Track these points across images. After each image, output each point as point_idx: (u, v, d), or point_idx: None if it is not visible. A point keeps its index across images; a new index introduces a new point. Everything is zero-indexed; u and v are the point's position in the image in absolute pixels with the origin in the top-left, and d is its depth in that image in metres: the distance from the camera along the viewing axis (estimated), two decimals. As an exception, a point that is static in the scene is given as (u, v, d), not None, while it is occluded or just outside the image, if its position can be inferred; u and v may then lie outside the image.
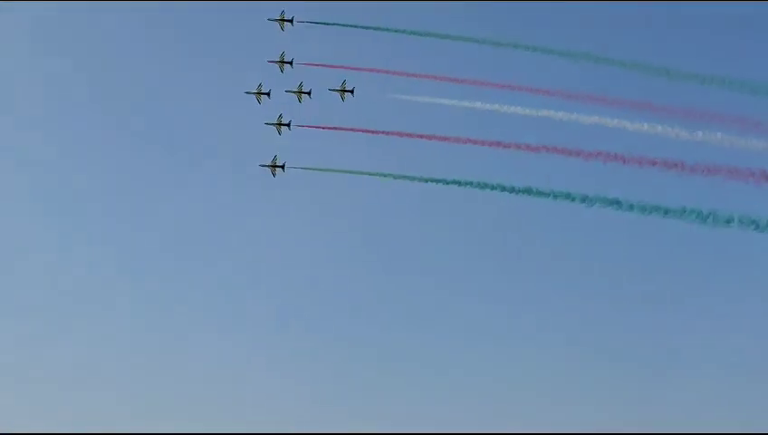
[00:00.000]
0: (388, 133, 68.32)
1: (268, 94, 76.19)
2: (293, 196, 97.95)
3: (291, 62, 74.37)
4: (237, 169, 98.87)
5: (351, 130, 70.46)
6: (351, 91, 71.52)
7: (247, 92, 75.54)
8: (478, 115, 66.20)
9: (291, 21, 73.80)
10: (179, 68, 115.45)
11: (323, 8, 76.78)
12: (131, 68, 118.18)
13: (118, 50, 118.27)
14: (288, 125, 73.81)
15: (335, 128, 70.67)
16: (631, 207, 55.65)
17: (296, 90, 74.13)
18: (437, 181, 61.39)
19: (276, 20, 74.57)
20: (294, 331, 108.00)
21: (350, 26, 72.68)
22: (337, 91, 72.16)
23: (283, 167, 73.13)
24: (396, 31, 71.05)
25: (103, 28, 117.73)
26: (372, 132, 69.52)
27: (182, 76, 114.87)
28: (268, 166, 73.77)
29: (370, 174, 69.35)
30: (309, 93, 74.22)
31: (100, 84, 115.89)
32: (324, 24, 74.30)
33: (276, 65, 75.06)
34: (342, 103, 72.82)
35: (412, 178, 64.81)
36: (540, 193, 60.01)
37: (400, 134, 67.46)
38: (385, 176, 67.57)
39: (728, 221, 50.57)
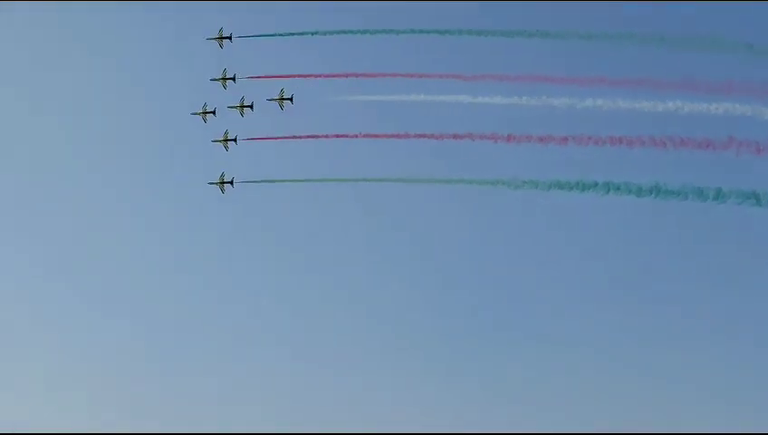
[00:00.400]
0: (332, 136, 66.09)
1: (213, 112, 75.25)
2: (245, 210, 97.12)
3: (233, 78, 73.54)
4: (186, 188, 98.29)
5: (297, 138, 68.75)
6: (291, 99, 70.25)
7: (193, 113, 74.85)
8: (426, 109, 63.75)
9: (229, 38, 73.26)
10: (125, 93, 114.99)
11: (266, 18, 76.52)
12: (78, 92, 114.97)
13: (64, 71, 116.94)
14: (234, 140, 72.73)
15: (281, 138, 69.14)
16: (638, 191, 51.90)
17: (238, 105, 73.20)
18: (384, 181, 58.65)
19: (215, 38, 74.13)
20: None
21: (289, 35, 71.30)
22: (275, 100, 70.80)
23: (231, 182, 72.05)
24: (337, 33, 69.34)
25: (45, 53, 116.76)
26: (319, 137, 67.50)
27: (127, 101, 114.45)
28: (216, 183, 72.57)
29: (324, 180, 67.00)
30: (251, 106, 73.28)
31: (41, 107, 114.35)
32: (265, 36, 73.14)
33: (219, 83, 74.12)
34: (291, 112, 71.19)
35: (364, 180, 62.21)
36: (505, 183, 57.35)
37: (346, 136, 65.25)
38: (337, 181, 65.12)
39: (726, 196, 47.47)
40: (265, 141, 70.59)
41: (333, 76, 67.13)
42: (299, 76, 69.19)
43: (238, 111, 73.02)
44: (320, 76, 68.44)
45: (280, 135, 69.80)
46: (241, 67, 73.79)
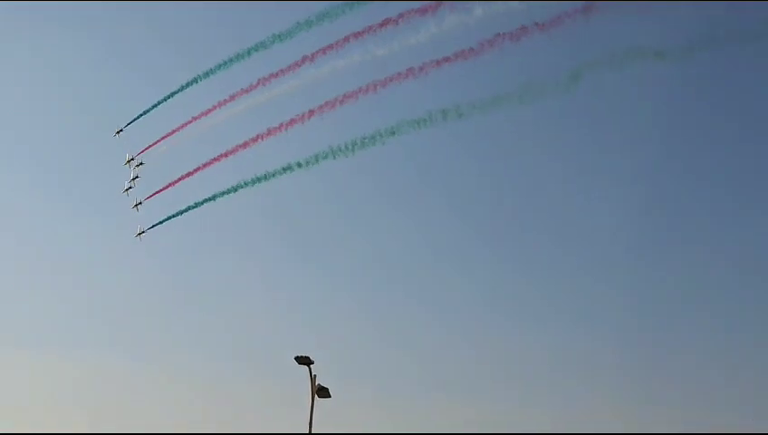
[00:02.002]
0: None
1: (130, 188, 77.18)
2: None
3: (133, 159, 75.73)
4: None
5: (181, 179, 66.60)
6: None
7: (124, 191, 76.92)
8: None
9: (121, 130, 76.34)
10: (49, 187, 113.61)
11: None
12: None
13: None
14: (141, 203, 74.44)
15: (175, 182, 67.15)
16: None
17: (127, 161, 73.87)
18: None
19: (116, 133, 76.95)
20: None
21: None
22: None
23: (144, 232, 73.18)
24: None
25: None
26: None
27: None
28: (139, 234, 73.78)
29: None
30: (141, 163, 74.79)
31: None
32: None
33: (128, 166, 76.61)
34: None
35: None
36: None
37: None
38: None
39: None
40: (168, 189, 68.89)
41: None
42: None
43: (132, 172, 74.45)
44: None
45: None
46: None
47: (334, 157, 38.67)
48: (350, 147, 38.61)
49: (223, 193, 45.25)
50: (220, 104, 46.43)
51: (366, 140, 39.64)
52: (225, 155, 46.95)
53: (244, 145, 44.90)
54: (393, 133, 39.61)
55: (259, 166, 42.62)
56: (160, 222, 68.71)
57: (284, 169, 40.65)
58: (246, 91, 43.96)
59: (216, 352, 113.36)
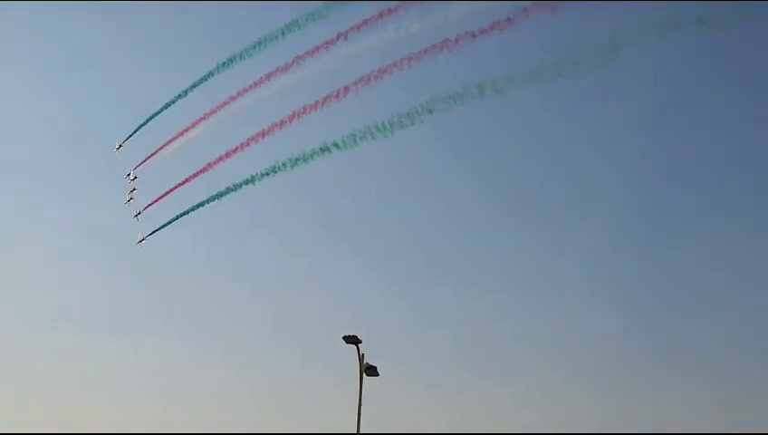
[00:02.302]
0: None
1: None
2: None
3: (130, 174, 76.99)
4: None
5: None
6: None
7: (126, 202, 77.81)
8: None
9: (121, 146, 75.62)
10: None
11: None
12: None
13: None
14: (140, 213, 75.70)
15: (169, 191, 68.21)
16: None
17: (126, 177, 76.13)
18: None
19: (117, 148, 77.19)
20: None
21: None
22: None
23: (143, 240, 74.32)
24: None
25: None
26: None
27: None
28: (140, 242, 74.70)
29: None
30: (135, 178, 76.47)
31: None
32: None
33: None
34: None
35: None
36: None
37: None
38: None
39: None
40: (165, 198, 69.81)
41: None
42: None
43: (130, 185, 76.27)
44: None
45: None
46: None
47: (373, 137, 38.53)
48: (388, 126, 38.45)
49: (261, 175, 45.27)
50: (256, 83, 46.43)
51: (403, 119, 39.47)
52: (262, 134, 46.81)
53: (281, 124, 44.70)
54: (431, 111, 39.36)
55: (294, 148, 42.63)
56: (169, 222, 68.99)
57: (322, 150, 40.64)
58: (282, 69, 43.78)
59: (262, 333, 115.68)
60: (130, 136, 75.22)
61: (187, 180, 66.74)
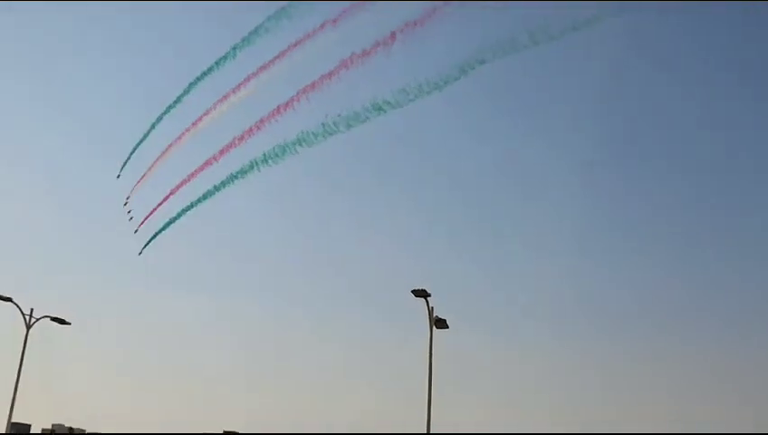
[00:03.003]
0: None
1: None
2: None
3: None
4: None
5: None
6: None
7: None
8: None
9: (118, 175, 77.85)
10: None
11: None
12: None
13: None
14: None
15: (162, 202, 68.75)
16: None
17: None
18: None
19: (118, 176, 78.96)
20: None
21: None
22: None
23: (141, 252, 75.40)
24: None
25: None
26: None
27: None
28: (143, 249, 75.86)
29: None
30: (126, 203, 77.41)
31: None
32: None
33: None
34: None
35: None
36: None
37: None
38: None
39: None
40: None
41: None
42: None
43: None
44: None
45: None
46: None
47: (428, 93, 38.17)
48: (443, 82, 38.04)
49: (314, 135, 44.91)
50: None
51: (455, 71, 38.96)
52: (312, 87, 45.90)
53: (330, 75, 43.86)
54: (483, 62, 38.76)
55: (348, 107, 42.30)
56: (160, 230, 70.30)
57: (375, 109, 40.35)
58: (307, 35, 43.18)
59: (333, 290, 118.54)
60: (126, 162, 76.45)
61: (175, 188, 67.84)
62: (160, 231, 70.35)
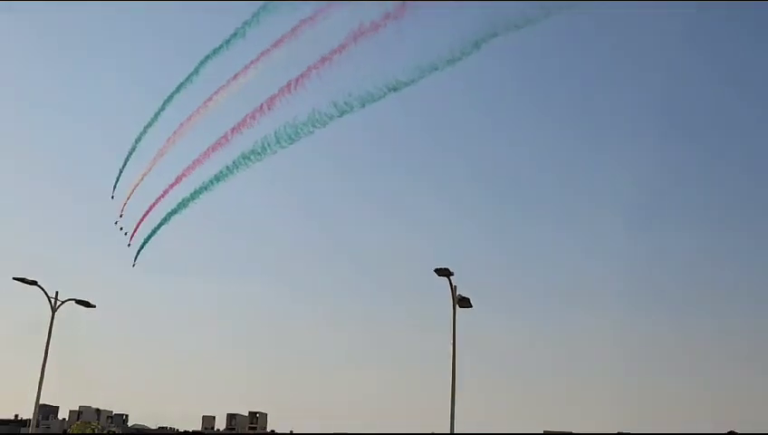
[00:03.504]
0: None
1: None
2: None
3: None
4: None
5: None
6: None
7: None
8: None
9: (112, 197, 78.13)
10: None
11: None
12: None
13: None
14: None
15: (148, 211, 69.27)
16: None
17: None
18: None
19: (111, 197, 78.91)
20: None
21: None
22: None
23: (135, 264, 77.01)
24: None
25: None
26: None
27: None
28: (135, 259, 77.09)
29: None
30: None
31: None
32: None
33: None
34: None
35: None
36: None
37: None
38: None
39: None
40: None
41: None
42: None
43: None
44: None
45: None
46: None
47: (441, 69, 37.87)
48: (456, 57, 37.65)
49: (328, 117, 44.56)
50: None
51: (469, 47, 38.59)
52: (322, 63, 45.60)
53: (341, 48, 43.39)
54: (495, 35, 38.38)
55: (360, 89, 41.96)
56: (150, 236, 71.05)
57: (390, 90, 40.10)
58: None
59: (355, 269, 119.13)
60: (117, 180, 76.68)
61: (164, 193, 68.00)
62: (149, 237, 71.76)
